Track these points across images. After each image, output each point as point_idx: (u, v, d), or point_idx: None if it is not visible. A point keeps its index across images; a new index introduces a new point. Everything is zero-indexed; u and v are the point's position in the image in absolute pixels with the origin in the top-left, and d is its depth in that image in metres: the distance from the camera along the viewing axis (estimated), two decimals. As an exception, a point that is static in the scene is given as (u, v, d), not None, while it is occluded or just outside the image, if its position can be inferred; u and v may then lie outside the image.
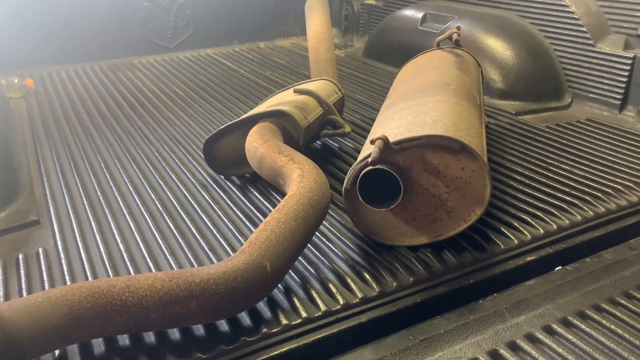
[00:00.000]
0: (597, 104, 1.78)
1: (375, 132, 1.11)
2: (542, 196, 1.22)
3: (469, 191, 1.00)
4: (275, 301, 0.93)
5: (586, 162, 1.39)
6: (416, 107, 1.13)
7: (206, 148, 1.35)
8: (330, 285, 0.95)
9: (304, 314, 0.89)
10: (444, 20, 2.16)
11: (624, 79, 1.68)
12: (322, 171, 1.08)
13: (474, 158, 0.97)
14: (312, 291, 0.94)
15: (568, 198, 1.21)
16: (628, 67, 1.67)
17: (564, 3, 1.83)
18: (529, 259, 1.05)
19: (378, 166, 0.96)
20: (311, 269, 1.01)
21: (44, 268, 1.03)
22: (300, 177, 1.05)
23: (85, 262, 1.04)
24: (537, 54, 1.88)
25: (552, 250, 1.07)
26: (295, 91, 1.36)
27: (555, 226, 1.12)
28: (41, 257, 1.07)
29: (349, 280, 0.96)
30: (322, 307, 0.90)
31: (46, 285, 0.99)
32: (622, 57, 1.68)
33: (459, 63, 1.45)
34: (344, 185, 1.03)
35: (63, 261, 1.05)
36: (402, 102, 1.21)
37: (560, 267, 1.07)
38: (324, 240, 1.09)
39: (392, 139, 0.97)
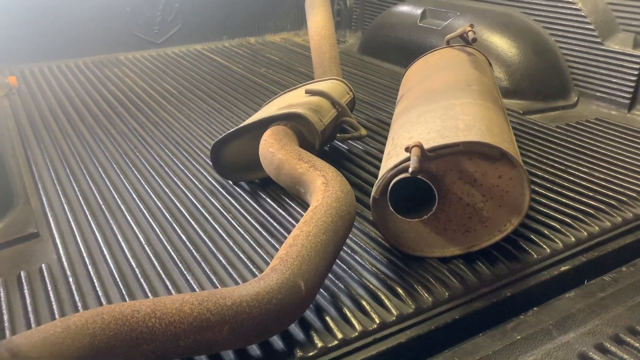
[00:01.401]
0: (604, 103, 1.76)
1: (401, 136, 1.06)
2: (566, 201, 1.19)
3: (505, 200, 0.95)
4: (307, 321, 0.87)
5: (605, 165, 1.36)
6: (442, 110, 1.07)
7: (213, 152, 1.27)
8: (363, 302, 0.90)
9: (339, 335, 0.83)
10: (445, 16, 2.11)
11: (634, 78, 1.66)
12: (345, 179, 1.02)
13: (513, 166, 0.92)
14: (345, 309, 0.88)
15: (594, 203, 1.18)
16: (638, 66, 1.64)
17: (570, 0, 1.80)
18: (563, 268, 1.01)
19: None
20: (340, 284, 0.95)
21: (49, 287, 0.95)
22: (325, 185, 0.99)
23: (94, 279, 0.96)
24: (542, 51, 1.84)
25: (585, 259, 1.03)
26: (307, 92, 1.29)
27: (585, 233, 1.08)
28: (45, 273, 0.99)
29: (382, 296, 0.91)
30: (358, 327, 0.85)
31: (54, 305, 0.91)
32: (632, 55, 1.65)
33: (473, 62, 1.40)
34: (372, 194, 0.97)
35: (70, 278, 0.97)
36: (423, 104, 1.15)
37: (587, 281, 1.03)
38: (349, 251, 1.04)
39: (425, 145, 0.92)
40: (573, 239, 1.06)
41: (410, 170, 0.84)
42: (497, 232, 0.98)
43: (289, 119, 1.20)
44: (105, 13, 2.45)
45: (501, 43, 1.86)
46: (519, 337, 0.83)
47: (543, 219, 1.12)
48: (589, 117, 1.69)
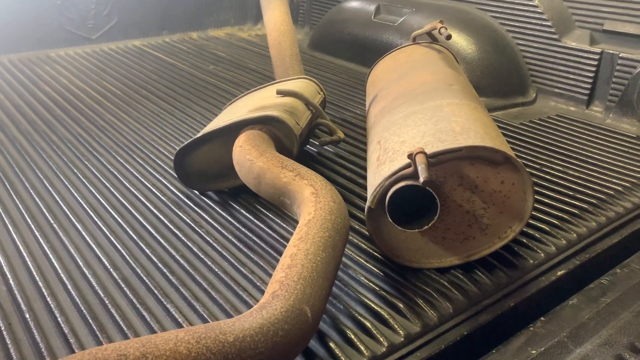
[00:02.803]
0: (562, 99, 1.77)
1: (389, 140, 0.99)
2: (550, 202, 1.17)
3: (507, 206, 0.91)
4: (309, 349, 0.78)
5: (576, 162, 1.35)
6: (431, 111, 1.02)
7: (178, 160, 1.16)
8: (367, 323, 0.82)
9: (347, 363, 0.76)
10: (400, 12, 2.07)
11: (591, 74, 1.68)
12: (334, 188, 0.94)
13: (516, 170, 0.88)
14: (348, 332, 0.81)
15: (576, 203, 1.16)
16: (595, 63, 1.67)
17: (527, -4, 1.81)
18: (559, 273, 0.98)
19: (416, 183, 0.84)
20: (339, 305, 0.87)
21: (2, 325, 0.81)
22: (315, 195, 0.90)
23: (56, 313, 0.83)
24: (501, 48, 1.84)
25: (578, 262, 1.01)
26: (279, 92, 1.20)
27: (574, 235, 1.06)
28: (-6, 310, 0.85)
29: (385, 315, 0.84)
30: (366, 352, 0.78)
31: (11, 349, 0.77)
32: (589, 52, 1.68)
33: (445, 60, 1.36)
34: (368, 204, 0.90)
35: (27, 314, 0.83)
36: (406, 104, 1.10)
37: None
38: (341, 266, 0.96)
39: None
40: (564, 241, 1.04)
41: (421, 179, 0.77)
42: (497, 240, 0.94)
43: (264, 123, 1.11)
44: (32, 5, 2.23)
45: (459, 40, 1.84)
46: (534, 353, 0.79)
47: (532, 222, 1.09)
48: (549, 114, 1.70)
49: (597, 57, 1.66)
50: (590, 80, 1.69)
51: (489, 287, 0.92)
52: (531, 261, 0.98)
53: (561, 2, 1.78)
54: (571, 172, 1.30)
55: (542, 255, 1.00)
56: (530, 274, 0.96)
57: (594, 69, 1.68)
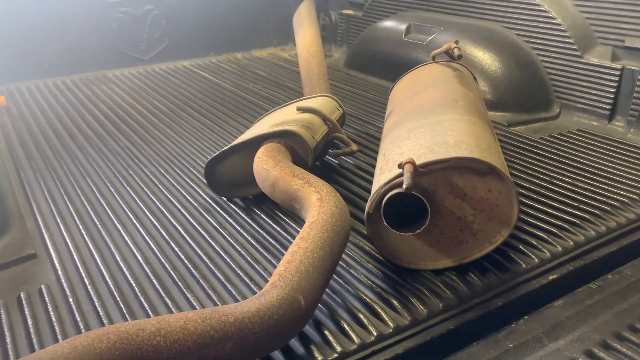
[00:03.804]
0: (585, 114, 1.81)
1: (392, 152, 1.09)
2: (552, 211, 1.22)
3: (495, 213, 0.98)
4: (305, 335, 0.89)
5: (588, 175, 1.40)
6: (431, 126, 1.11)
7: (208, 169, 1.30)
8: (360, 315, 0.92)
9: (338, 348, 0.86)
10: (429, 31, 2.16)
11: (613, 90, 1.72)
12: (339, 194, 1.05)
13: (501, 180, 0.96)
14: (343, 322, 0.91)
15: (578, 213, 1.21)
16: (617, 78, 1.70)
17: (550, 15, 1.86)
18: (551, 277, 1.04)
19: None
20: (337, 298, 0.97)
21: (50, 307, 0.96)
22: (320, 201, 1.01)
23: (95, 299, 0.98)
24: (524, 65, 1.90)
25: (572, 268, 1.07)
26: (299, 109, 1.32)
27: (571, 242, 1.12)
28: (45, 294, 1.00)
29: (379, 309, 0.93)
30: (356, 340, 0.87)
31: (56, 326, 0.92)
32: (610, 68, 1.71)
33: (459, 78, 1.44)
34: (367, 209, 1.00)
35: (70, 299, 0.98)
36: (412, 120, 1.19)
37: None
38: (344, 265, 1.06)
39: (416, 161, 0.95)
40: (560, 249, 1.10)
41: (404, 186, 0.87)
42: (487, 244, 1.01)
43: (282, 136, 1.23)
44: (92, 31, 2.47)
45: (484, 57, 1.91)
46: (511, 346, 0.86)
47: (531, 230, 1.15)
48: (570, 128, 1.74)
49: (618, 73, 1.70)
50: (612, 96, 1.72)
51: (480, 288, 0.99)
52: (524, 266, 1.05)
53: (583, 20, 1.83)
54: (580, 184, 1.35)
55: (536, 260, 1.07)
56: (521, 277, 1.03)
57: (615, 84, 1.71)
